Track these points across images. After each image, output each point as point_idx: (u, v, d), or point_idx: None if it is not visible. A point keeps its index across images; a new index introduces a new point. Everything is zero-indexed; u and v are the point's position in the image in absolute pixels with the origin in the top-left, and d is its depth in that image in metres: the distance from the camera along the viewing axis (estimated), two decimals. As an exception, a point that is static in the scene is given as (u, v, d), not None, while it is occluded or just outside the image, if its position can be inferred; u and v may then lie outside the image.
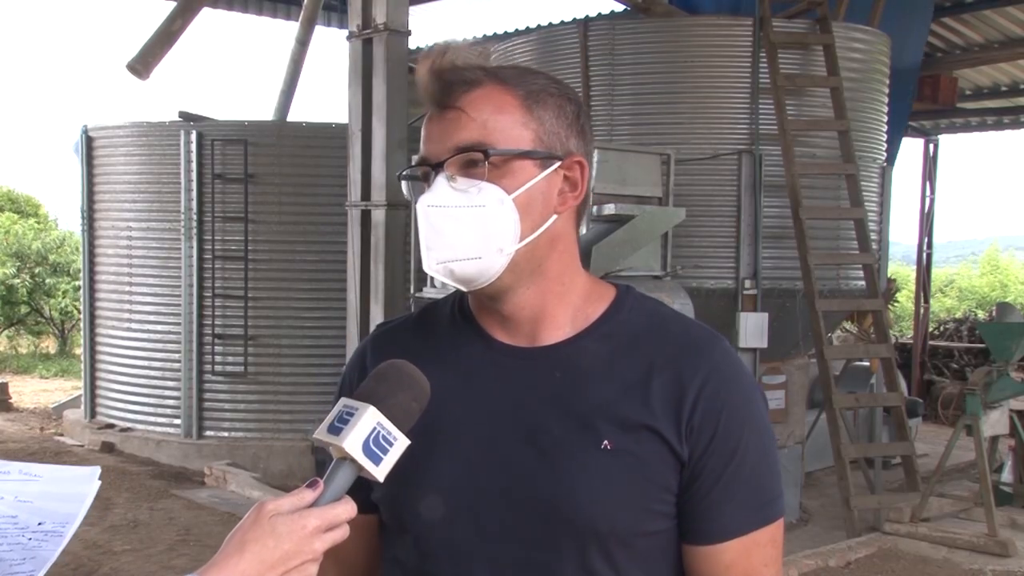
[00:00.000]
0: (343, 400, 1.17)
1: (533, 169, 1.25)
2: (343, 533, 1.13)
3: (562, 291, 1.31)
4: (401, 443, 1.15)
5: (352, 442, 1.12)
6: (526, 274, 1.27)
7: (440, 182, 1.24)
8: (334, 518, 1.12)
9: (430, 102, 1.26)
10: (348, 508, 1.13)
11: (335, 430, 1.13)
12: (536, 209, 1.26)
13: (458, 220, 1.23)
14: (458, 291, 1.39)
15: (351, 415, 1.14)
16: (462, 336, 1.35)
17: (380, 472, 1.14)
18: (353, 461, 1.13)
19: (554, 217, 1.28)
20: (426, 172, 1.27)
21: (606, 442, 1.24)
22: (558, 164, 1.27)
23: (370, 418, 1.13)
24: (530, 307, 1.30)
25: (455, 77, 1.24)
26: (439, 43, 1.26)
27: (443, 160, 1.24)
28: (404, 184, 1.32)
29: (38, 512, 1.13)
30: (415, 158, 1.31)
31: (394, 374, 1.19)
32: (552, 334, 1.31)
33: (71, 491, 1.17)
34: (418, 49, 12.38)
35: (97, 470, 1.21)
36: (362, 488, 1.18)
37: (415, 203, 1.26)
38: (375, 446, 1.13)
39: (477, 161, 1.22)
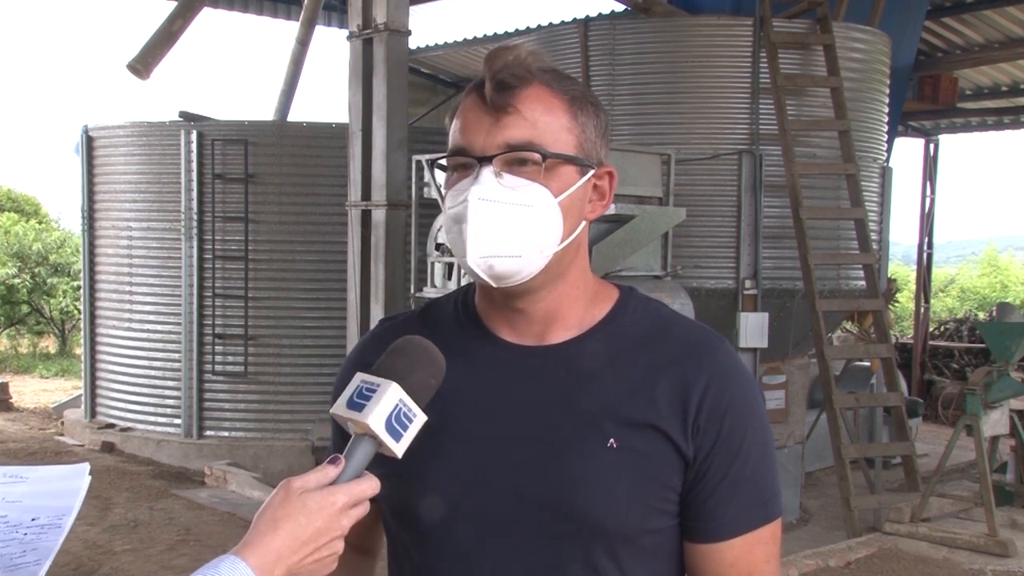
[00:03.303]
0: (360, 375, 1.16)
1: (574, 175, 1.26)
2: (365, 510, 1.15)
3: (576, 294, 1.33)
4: (420, 419, 1.15)
5: (376, 418, 1.12)
6: (554, 276, 1.29)
7: (488, 176, 1.23)
8: (360, 494, 1.13)
9: (481, 95, 1.25)
10: (372, 484, 1.14)
11: (356, 406, 1.13)
12: (574, 214, 1.27)
13: (505, 217, 1.23)
14: (461, 289, 1.40)
15: (372, 391, 1.13)
16: (468, 335, 1.35)
17: (400, 448, 1.14)
18: (373, 437, 1.13)
19: (584, 224, 1.30)
20: (469, 163, 1.26)
21: (612, 441, 1.24)
22: (592, 172, 1.29)
23: (393, 395, 1.13)
24: (545, 308, 1.31)
25: (508, 74, 1.24)
26: (507, 44, 1.28)
27: (491, 155, 1.23)
28: (436, 172, 1.34)
29: (29, 510, 1.13)
30: (436, 156, 1.31)
31: (412, 350, 1.19)
32: (560, 334, 1.32)
33: (61, 488, 1.17)
34: (418, 49, 12.42)
35: (87, 466, 1.21)
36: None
37: (461, 192, 1.24)
38: (396, 423, 1.13)
39: (528, 160, 1.23)
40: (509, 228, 1.23)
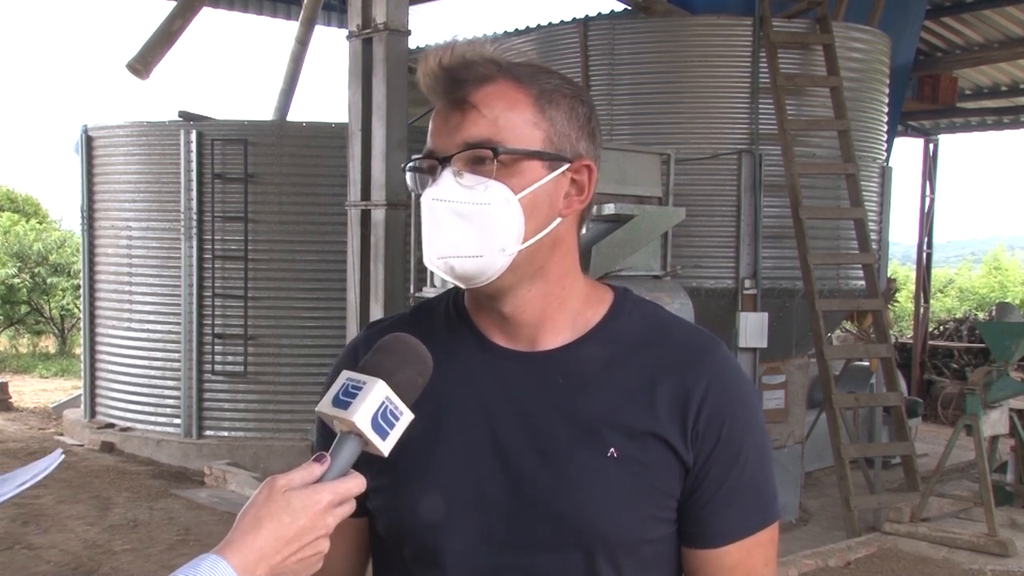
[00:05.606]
0: (347, 373, 1.14)
1: (541, 170, 1.22)
2: (351, 508, 1.13)
3: (563, 295, 1.29)
4: (406, 417, 1.13)
5: (362, 416, 1.10)
6: (527, 276, 1.25)
7: (446, 177, 1.21)
8: (346, 492, 1.11)
9: (440, 96, 1.23)
10: (358, 482, 1.12)
11: (342, 403, 1.12)
12: (541, 211, 1.23)
13: (462, 216, 1.20)
14: (452, 290, 1.37)
15: (358, 388, 1.12)
16: (459, 338, 1.32)
17: (386, 447, 1.12)
18: (359, 435, 1.11)
19: (558, 220, 1.25)
20: (432, 165, 1.23)
21: (613, 450, 1.22)
22: (566, 166, 1.24)
23: (379, 392, 1.11)
24: (531, 310, 1.27)
25: (468, 71, 1.20)
26: (448, 39, 1.23)
27: (451, 155, 1.21)
28: (409, 176, 1.29)
29: None
30: (423, 152, 1.28)
31: (399, 347, 1.17)
32: (552, 339, 1.29)
33: (31, 469, 1.16)
34: (418, 49, 12.42)
35: (59, 451, 1.20)
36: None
37: (420, 196, 1.23)
38: (383, 420, 1.11)
39: (485, 158, 1.19)
40: (465, 228, 1.20)
